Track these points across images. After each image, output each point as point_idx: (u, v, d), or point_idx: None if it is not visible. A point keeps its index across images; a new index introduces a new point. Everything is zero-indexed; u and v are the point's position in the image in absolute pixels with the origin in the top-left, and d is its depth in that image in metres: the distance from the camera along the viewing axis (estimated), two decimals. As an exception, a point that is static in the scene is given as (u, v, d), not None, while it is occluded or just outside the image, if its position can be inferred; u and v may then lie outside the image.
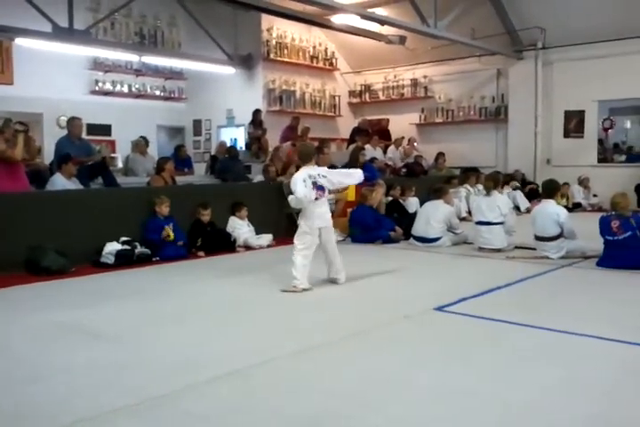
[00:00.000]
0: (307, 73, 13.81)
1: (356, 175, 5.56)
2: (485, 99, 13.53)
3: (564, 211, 6.44)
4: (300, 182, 5.05)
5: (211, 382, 2.87)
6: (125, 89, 13.01)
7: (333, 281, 5.29)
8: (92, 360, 3.24)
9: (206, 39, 11.92)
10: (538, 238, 6.47)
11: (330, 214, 5.34)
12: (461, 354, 3.34)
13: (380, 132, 13.01)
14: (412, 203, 9.46)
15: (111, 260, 6.10)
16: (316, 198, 5.12)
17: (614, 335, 3.56)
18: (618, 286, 5.14)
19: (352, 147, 10.95)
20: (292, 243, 5.17)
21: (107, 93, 12.69)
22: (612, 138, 12.77)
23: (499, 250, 6.78)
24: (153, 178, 8.15)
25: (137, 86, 13.22)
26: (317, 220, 5.12)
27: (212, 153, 11.77)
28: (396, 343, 3.55)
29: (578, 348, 3.42)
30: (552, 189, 6.74)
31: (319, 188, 5.12)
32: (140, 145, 10.25)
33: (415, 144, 13.12)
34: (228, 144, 11.99)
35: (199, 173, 10.92)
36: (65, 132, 8.30)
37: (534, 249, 6.61)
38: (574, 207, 11.26)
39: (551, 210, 6.40)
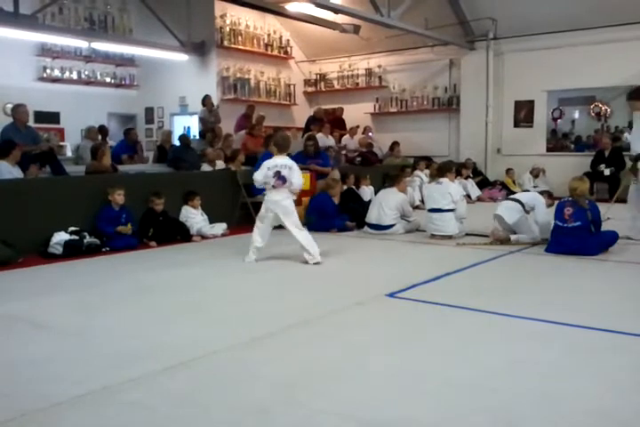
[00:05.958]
0: (261, 61, 13.70)
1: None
2: (438, 89, 13.68)
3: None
4: (264, 168, 5.59)
5: (156, 374, 2.84)
6: (75, 76, 12.68)
7: (304, 261, 5.54)
8: (36, 352, 3.17)
9: (158, 25, 11.67)
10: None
11: (287, 201, 5.61)
12: (412, 338, 3.40)
13: (334, 121, 13.02)
14: (366, 192, 9.52)
15: (59, 250, 5.97)
16: (274, 186, 5.54)
17: (558, 318, 3.66)
18: (563, 271, 5.29)
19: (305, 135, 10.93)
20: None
21: (55, 80, 12.35)
22: (562, 127, 13.08)
23: (450, 237, 6.90)
24: (92, 165, 7.66)
25: (87, 73, 12.88)
26: (271, 205, 5.59)
27: (158, 143, 11.44)
28: (348, 330, 3.57)
29: (523, 330, 3.51)
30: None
31: (280, 178, 5.52)
32: (92, 132, 9.95)
33: (370, 134, 13.18)
34: (182, 132, 11.78)
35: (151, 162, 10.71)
36: (11, 119, 8.03)
37: (485, 236, 6.75)
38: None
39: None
